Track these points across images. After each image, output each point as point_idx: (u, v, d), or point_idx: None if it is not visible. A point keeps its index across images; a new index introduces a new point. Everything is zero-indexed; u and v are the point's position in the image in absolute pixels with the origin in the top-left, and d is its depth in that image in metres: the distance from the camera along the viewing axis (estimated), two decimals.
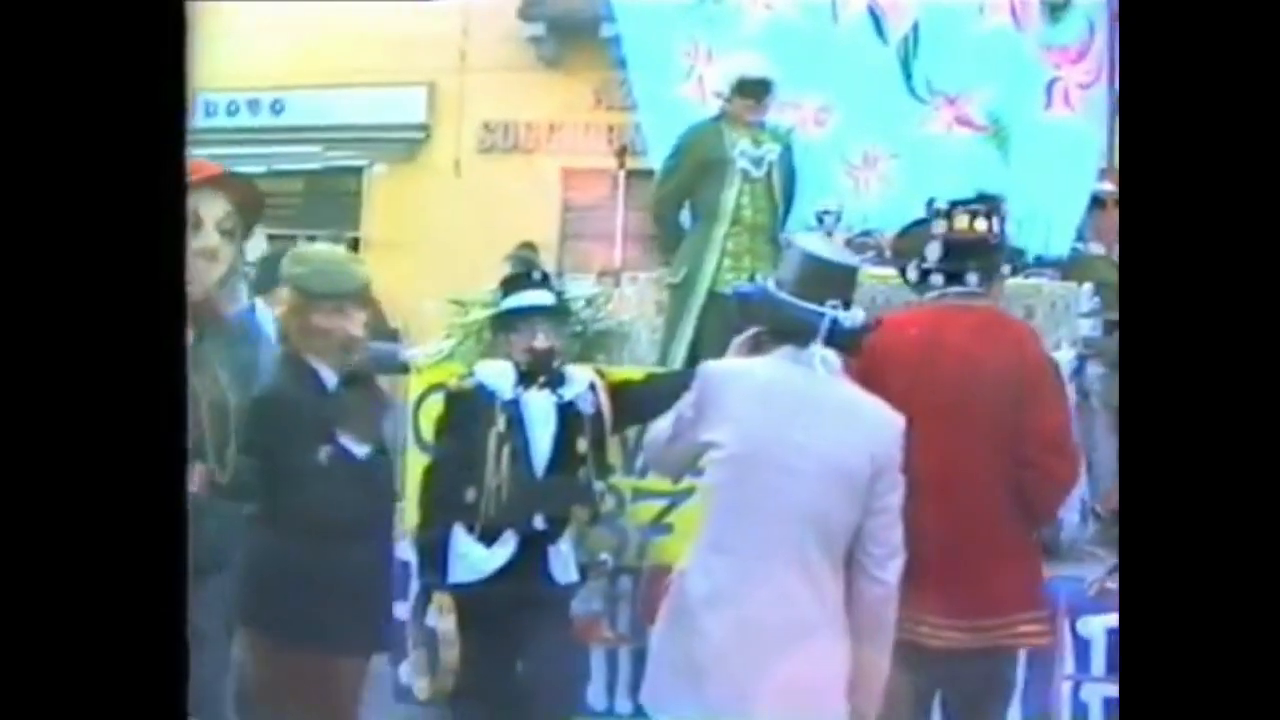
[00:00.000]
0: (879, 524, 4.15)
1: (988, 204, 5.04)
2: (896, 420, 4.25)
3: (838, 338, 4.24)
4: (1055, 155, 8.18)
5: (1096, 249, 8.41)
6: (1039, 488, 4.72)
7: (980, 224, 4.95)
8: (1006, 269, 5.13)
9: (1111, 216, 8.76)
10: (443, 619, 5.12)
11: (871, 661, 4.18)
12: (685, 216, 7.53)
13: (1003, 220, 5.05)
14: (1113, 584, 5.54)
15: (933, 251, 4.99)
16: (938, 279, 4.98)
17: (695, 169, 7.37)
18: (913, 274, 5.08)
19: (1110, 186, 8.68)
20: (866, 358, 4.81)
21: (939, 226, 5.00)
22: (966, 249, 4.93)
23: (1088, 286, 7.64)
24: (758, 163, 7.30)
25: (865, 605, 4.15)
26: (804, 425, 4.19)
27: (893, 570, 4.15)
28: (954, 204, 5.03)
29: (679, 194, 7.47)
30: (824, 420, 4.20)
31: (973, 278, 4.90)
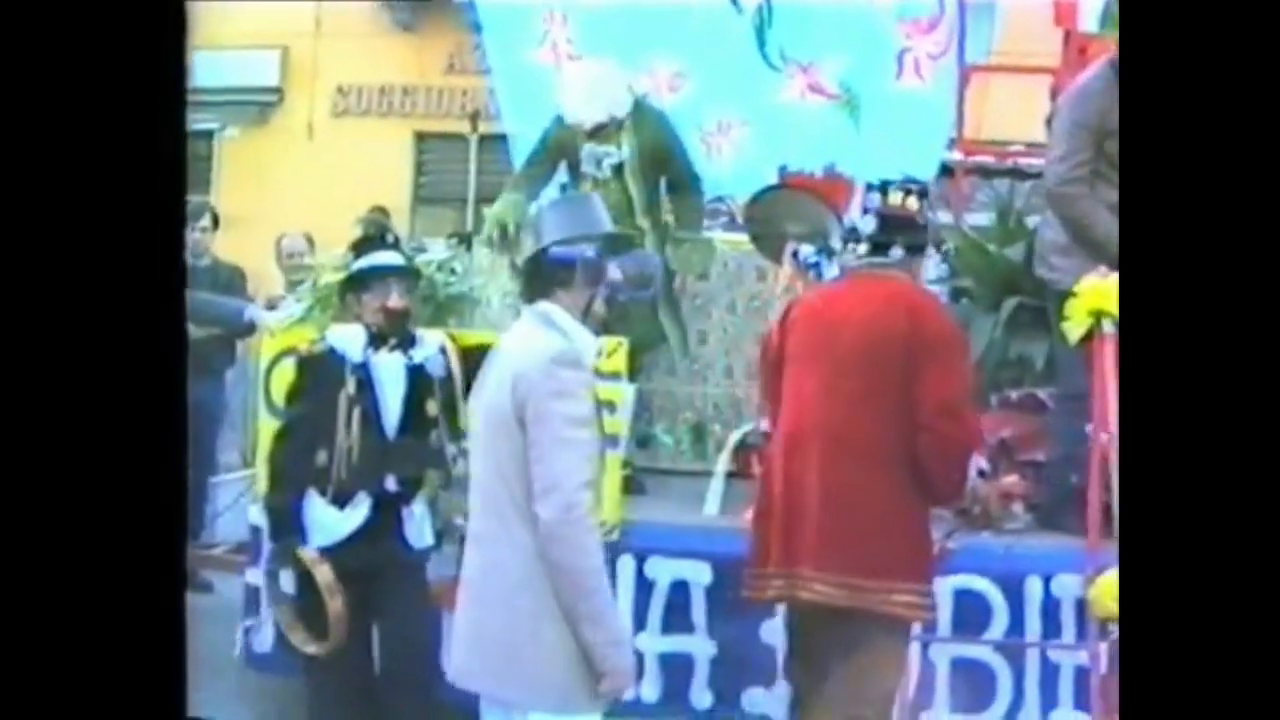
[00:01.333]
0: (531, 457, 4.09)
1: (918, 185, 5.21)
2: (544, 349, 4.21)
3: None
4: (905, 124, 8.26)
5: (945, 217, 8.54)
6: (933, 453, 4.76)
7: (912, 202, 5.10)
8: (930, 248, 5.29)
9: (959, 185, 8.91)
10: (318, 571, 5.09)
11: (573, 610, 4.07)
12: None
13: (929, 202, 5.24)
14: (953, 544, 5.66)
15: (867, 224, 5.11)
16: (862, 249, 5.11)
17: (553, 162, 7.40)
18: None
19: (959, 155, 8.83)
20: (780, 322, 5.07)
21: (873, 201, 5.14)
22: (897, 224, 5.06)
23: (935, 254, 7.76)
24: (599, 163, 7.27)
25: (542, 548, 4.06)
26: (481, 383, 4.36)
27: (549, 506, 4.03)
28: (886, 182, 5.18)
29: (537, 186, 7.44)
30: (489, 371, 4.34)
31: (897, 252, 5.04)
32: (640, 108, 7.39)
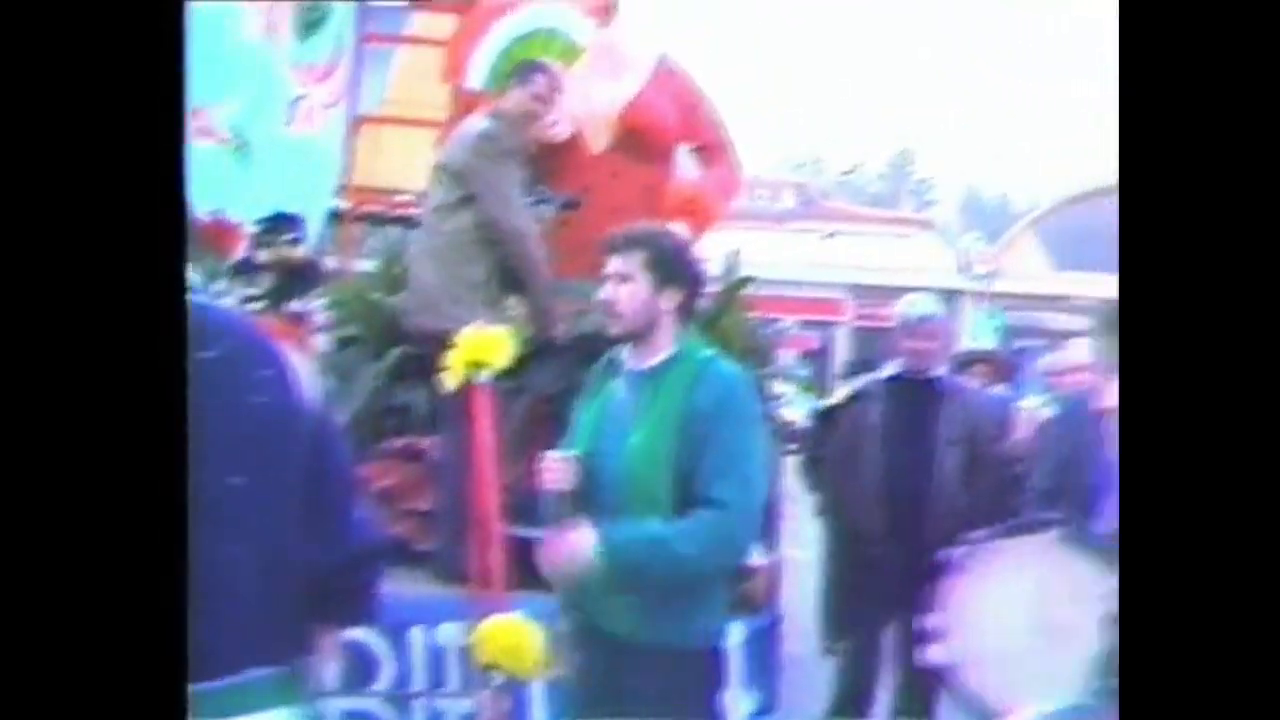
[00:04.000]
0: None
1: (295, 232, 5.88)
2: None
3: None
4: (295, 170, 7.92)
5: (333, 264, 8.34)
6: None
7: (294, 250, 5.72)
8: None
9: (349, 231, 8.91)
10: None
11: None
12: None
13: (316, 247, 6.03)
14: None
15: (264, 280, 5.60)
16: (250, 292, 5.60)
17: None
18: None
19: (349, 203, 8.77)
20: None
21: (263, 255, 5.73)
22: (284, 271, 5.64)
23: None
24: None
25: None
26: None
27: None
28: (270, 228, 5.82)
29: None
30: None
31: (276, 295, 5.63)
32: None
